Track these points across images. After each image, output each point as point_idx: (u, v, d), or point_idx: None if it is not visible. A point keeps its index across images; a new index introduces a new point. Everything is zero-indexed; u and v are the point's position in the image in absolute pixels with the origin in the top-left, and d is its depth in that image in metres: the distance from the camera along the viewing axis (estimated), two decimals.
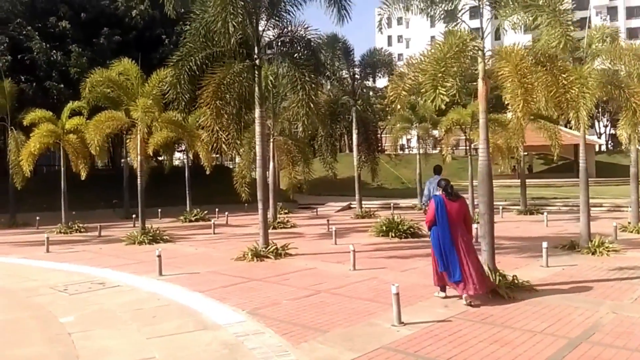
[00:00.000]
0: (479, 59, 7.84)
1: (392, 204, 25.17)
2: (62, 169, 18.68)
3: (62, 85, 24.99)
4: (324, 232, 16.22)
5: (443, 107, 7.27)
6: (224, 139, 10.45)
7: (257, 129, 11.27)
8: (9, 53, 24.57)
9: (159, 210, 24.02)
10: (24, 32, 25.47)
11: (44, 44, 25.27)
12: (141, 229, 14.71)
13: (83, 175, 18.24)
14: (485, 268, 7.22)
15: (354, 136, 21.53)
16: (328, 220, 17.40)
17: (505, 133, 17.43)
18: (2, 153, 24.98)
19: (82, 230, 18.00)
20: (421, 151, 23.97)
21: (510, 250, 11.35)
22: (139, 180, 14.99)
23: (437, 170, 11.79)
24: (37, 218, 19.77)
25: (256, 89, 11.37)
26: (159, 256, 9.41)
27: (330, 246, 12.86)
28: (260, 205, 11.37)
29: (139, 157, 14.88)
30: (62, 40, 26.26)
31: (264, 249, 11.01)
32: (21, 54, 25.11)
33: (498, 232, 15.27)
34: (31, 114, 18.00)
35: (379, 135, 25.17)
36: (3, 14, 25.66)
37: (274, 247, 11.10)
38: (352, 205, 27.98)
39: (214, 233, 16.44)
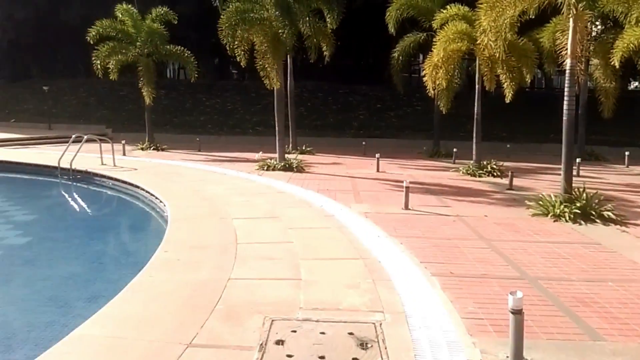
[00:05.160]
0: None
1: None
2: (477, 87, 13.65)
3: None
4: None
5: None
6: None
7: None
8: None
9: (627, 153, 15.69)
10: None
11: None
12: (563, 193, 8.18)
13: (508, 97, 12.63)
14: None
15: None
16: None
17: None
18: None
19: (495, 173, 12.76)
20: None
21: None
22: (565, 106, 8.21)
23: None
24: (455, 150, 15.74)
25: None
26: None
27: None
28: None
29: (568, 60, 8.01)
30: None
31: None
32: None
33: None
34: (441, 13, 13.46)
35: None
36: None
37: None
38: None
39: None
